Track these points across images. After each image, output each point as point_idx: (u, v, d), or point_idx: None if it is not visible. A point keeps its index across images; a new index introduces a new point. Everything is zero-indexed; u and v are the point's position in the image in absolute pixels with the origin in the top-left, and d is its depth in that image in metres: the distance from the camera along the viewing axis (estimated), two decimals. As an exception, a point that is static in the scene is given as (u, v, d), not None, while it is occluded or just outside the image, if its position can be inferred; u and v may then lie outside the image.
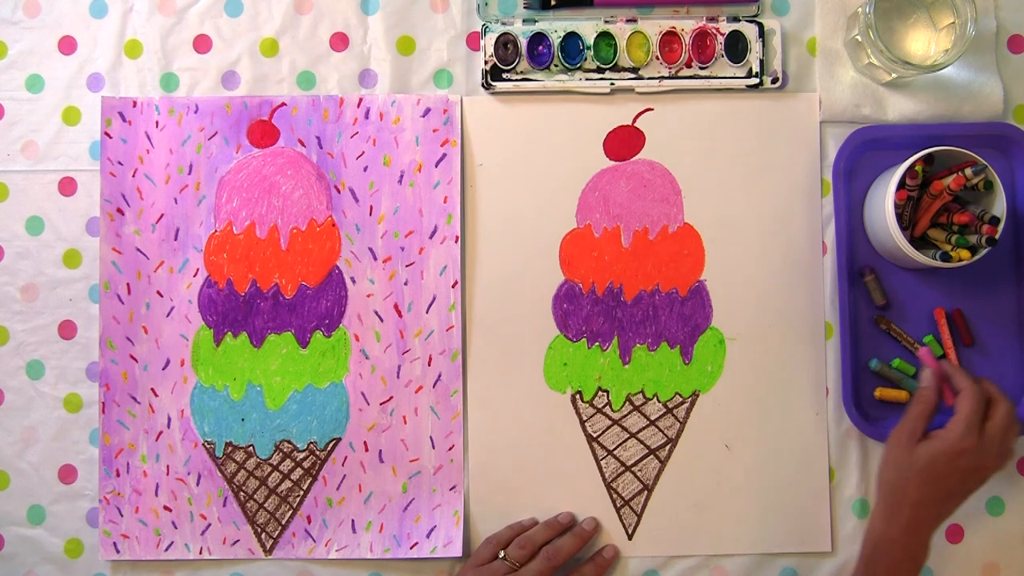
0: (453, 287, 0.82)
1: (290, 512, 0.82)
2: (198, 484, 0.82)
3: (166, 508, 0.82)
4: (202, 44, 0.83)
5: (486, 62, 0.82)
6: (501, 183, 0.83)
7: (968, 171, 0.75)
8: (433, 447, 0.82)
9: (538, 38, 0.82)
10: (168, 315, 0.82)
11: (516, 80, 0.82)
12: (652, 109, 0.83)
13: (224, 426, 0.82)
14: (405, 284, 0.82)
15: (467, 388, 0.82)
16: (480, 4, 0.83)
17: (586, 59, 0.82)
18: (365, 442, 0.82)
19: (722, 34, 0.82)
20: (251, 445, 0.82)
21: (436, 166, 0.83)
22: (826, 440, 0.82)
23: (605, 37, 0.82)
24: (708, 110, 0.83)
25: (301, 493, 0.82)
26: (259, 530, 0.82)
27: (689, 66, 0.83)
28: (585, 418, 0.82)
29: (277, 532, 0.82)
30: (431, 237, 0.82)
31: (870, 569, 0.73)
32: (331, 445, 0.82)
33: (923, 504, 0.72)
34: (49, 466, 0.82)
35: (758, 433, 0.82)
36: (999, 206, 0.76)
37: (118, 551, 0.81)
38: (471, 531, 0.82)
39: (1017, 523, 0.82)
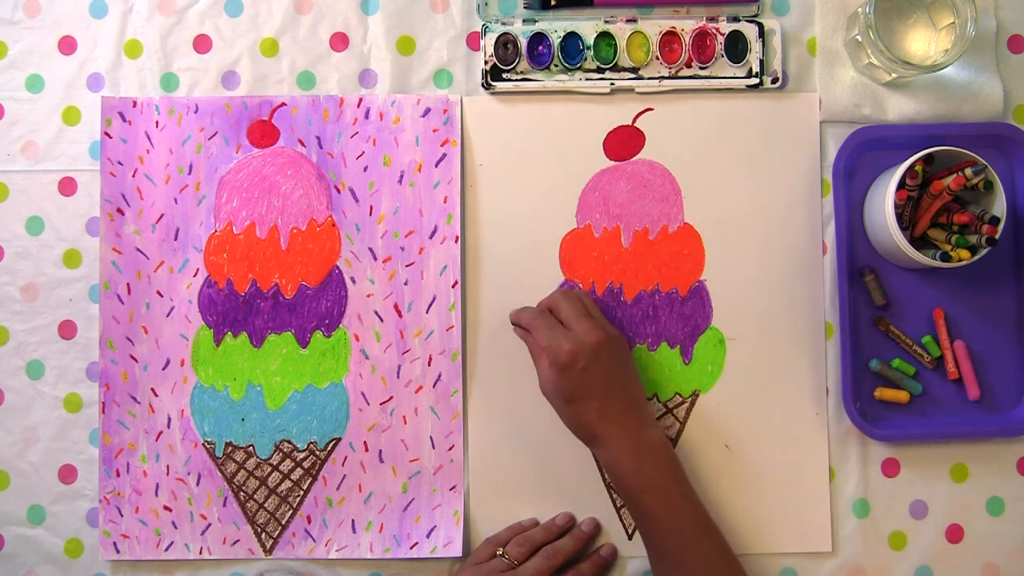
0: (453, 287, 0.82)
1: (290, 512, 0.82)
2: (198, 484, 0.82)
3: (166, 508, 0.82)
4: (202, 44, 0.83)
5: (486, 62, 0.82)
6: (501, 183, 0.83)
7: (968, 171, 0.75)
8: (433, 447, 0.82)
9: (538, 38, 0.82)
10: (168, 315, 0.82)
11: (516, 80, 0.82)
12: (652, 109, 0.83)
13: (224, 426, 0.82)
14: (405, 284, 0.82)
15: (467, 388, 0.82)
16: (480, 4, 0.83)
17: (586, 59, 0.82)
18: (365, 442, 0.82)
19: (722, 34, 0.82)
20: (251, 445, 0.82)
21: (436, 166, 0.83)
22: (826, 440, 0.82)
23: (605, 37, 0.82)
24: (708, 110, 0.83)
25: (301, 493, 0.82)
26: (259, 530, 0.82)
27: (689, 66, 0.83)
28: (585, 418, 0.82)
29: (277, 532, 0.82)
30: (431, 237, 0.82)
31: (634, 506, 0.73)
32: (331, 445, 0.82)
33: (600, 417, 0.72)
34: (49, 466, 0.82)
35: (758, 433, 0.82)
36: (999, 206, 0.76)
37: (118, 551, 0.81)
38: (471, 531, 0.82)
39: (1017, 523, 0.82)
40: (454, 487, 0.82)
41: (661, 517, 0.72)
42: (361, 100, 0.83)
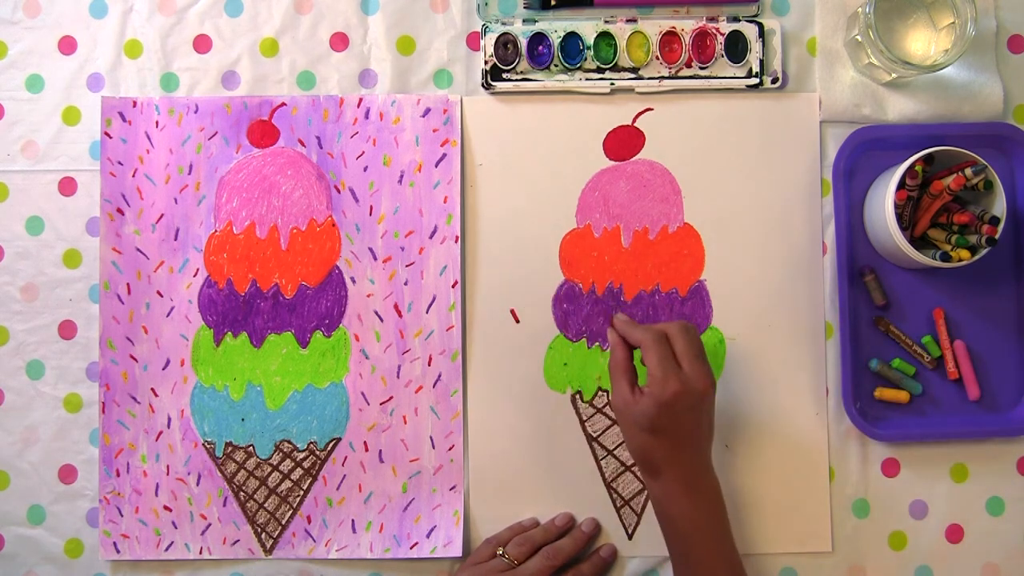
0: (453, 287, 0.82)
1: (290, 512, 0.82)
2: (198, 484, 0.82)
3: (166, 508, 0.82)
4: (202, 44, 0.83)
5: (486, 62, 0.82)
6: (501, 183, 0.83)
7: (968, 171, 0.75)
8: (433, 447, 0.82)
9: (538, 38, 0.82)
10: (168, 315, 0.82)
11: (516, 80, 0.82)
12: (652, 109, 0.83)
13: (224, 426, 0.82)
14: (405, 284, 0.82)
15: (467, 388, 0.82)
16: (480, 4, 0.83)
17: (586, 59, 0.82)
18: (365, 442, 0.82)
19: (722, 34, 0.82)
20: (251, 445, 0.82)
21: (436, 166, 0.83)
22: (826, 440, 0.82)
23: (605, 37, 0.82)
24: (708, 110, 0.83)
25: (301, 493, 0.82)
26: (259, 530, 0.82)
27: (689, 66, 0.83)
28: (585, 418, 0.82)
29: (277, 532, 0.82)
30: (431, 237, 0.82)
31: (676, 540, 0.73)
32: (331, 445, 0.82)
33: (673, 456, 0.72)
34: (49, 466, 0.82)
35: (758, 433, 0.82)
36: (999, 206, 0.76)
37: (118, 551, 0.81)
38: (471, 531, 0.82)
39: (1017, 523, 0.82)
40: (454, 487, 0.82)
41: (701, 561, 0.72)
42: (361, 100, 0.83)
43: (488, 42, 0.82)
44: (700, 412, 0.72)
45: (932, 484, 0.82)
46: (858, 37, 0.79)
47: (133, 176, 0.83)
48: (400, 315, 0.82)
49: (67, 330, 0.83)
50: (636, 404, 0.71)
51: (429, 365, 0.82)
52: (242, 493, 0.82)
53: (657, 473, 0.72)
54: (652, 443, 0.72)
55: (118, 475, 0.82)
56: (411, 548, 0.81)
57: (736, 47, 0.82)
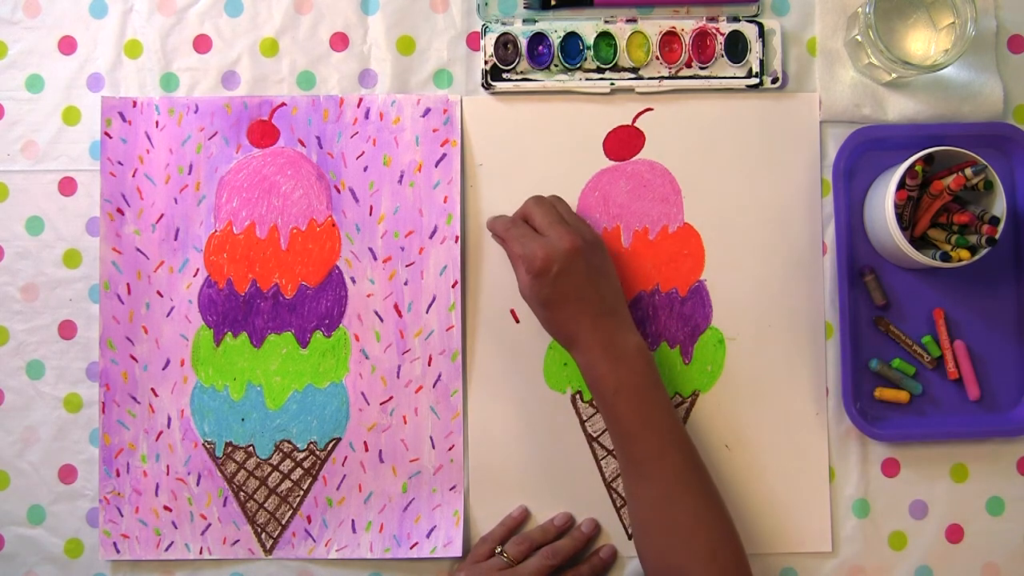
0: (453, 287, 0.82)
1: (290, 512, 0.82)
2: (198, 484, 0.82)
3: (166, 508, 0.82)
4: (202, 44, 0.83)
5: (486, 62, 0.82)
6: (501, 183, 0.83)
7: (968, 171, 0.75)
8: (433, 447, 0.82)
9: (538, 38, 0.82)
10: (168, 315, 0.82)
11: (516, 80, 0.82)
12: (652, 109, 0.83)
13: (224, 426, 0.82)
14: (405, 284, 0.82)
15: (467, 388, 0.82)
16: (480, 4, 0.83)
17: (586, 59, 0.82)
18: (365, 442, 0.82)
19: (722, 34, 0.82)
20: (251, 445, 0.82)
21: (436, 166, 0.83)
22: (826, 440, 0.82)
23: (605, 37, 0.82)
24: (708, 110, 0.83)
25: (301, 493, 0.82)
26: (259, 530, 0.82)
27: (689, 66, 0.83)
28: (585, 418, 0.82)
29: (277, 532, 0.82)
30: (431, 237, 0.82)
31: (604, 406, 0.73)
32: (331, 445, 0.82)
33: (578, 321, 0.73)
34: (49, 466, 0.82)
35: (758, 433, 0.82)
36: (999, 206, 0.76)
37: (118, 551, 0.81)
38: (471, 531, 0.82)
39: (1017, 523, 0.82)
40: (454, 487, 0.82)
41: (632, 422, 0.72)
42: (361, 100, 0.83)
43: (488, 42, 0.82)
44: (579, 270, 0.72)
45: (932, 484, 0.82)
46: (858, 37, 0.79)
47: (133, 176, 0.83)
48: (400, 315, 0.82)
49: (67, 330, 0.83)
50: (524, 286, 0.74)
51: (429, 365, 0.82)
52: (242, 493, 0.82)
53: (572, 343, 0.74)
54: (552, 316, 0.74)
55: (118, 475, 0.82)
56: (411, 548, 0.81)
57: (736, 47, 0.82)
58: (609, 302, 0.74)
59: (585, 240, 0.74)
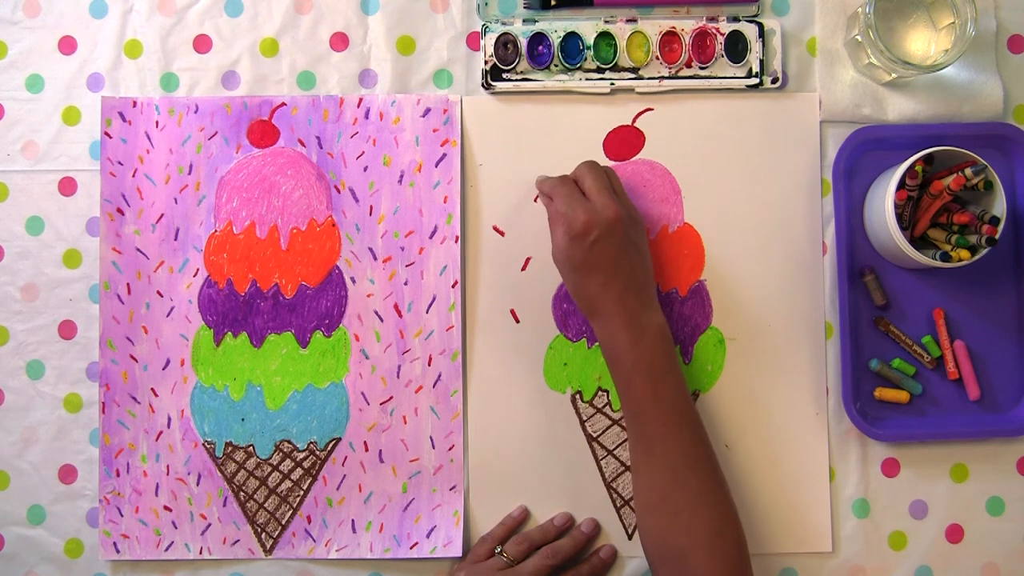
0: (453, 287, 0.82)
1: (290, 512, 0.82)
2: (198, 484, 0.82)
3: (166, 508, 0.82)
4: (202, 44, 0.83)
5: (486, 62, 0.82)
6: (501, 183, 0.83)
7: (968, 171, 0.75)
8: (433, 447, 0.82)
9: (538, 38, 0.82)
10: (168, 315, 0.82)
11: (516, 80, 0.82)
12: (652, 109, 0.83)
13: (224, 426, 0.82)
14: (405, 284, 0.82)
15: (467, 388, 0.82)
16: (480, 4, 0.83)
17: (586, 59, 0.82)
18: (365, 442, 0.82)
19: (722, 34, 0.82)
20: (251, 445, 0.82)
21: (436, 166, 0.83)
22: (826, 440, 0.82)
23: (605, 37, 0.82)
24: (708, 110, 0.83)
25: (301, 493, 0.82)
26: (259, 530, 0.82)
27: (689, 66, 0.83)
28: (585, 418, 0.82)
29: (277, 532, 0.82)
30: (431, 237, 0.82)
31: (620, 380, 0.73)
32: (331, 445, 0.82)
33: (605, 292, 0.72)
34: (49, 466, 0.82)
35: (758, 433, 0.82)
36: (999, 206, 0.76)
37: (118, 551, 0.81)
38: (471, 531, 0.82)
39: (1017, 523, 0.82)
40: (454, 487, 0.82)
41: (647, 400, 0.72)
42: (361, 100, 0.83)
43: (488, 42, 0.82)
44: (616, 241, 0.72)
45: (932, 484, 0.82)
46: (858, 37, 0.79)
47: (133, 176, 0.83)
48: (400, 315, 0.82)
49: (67, 330, 0.83)
50: (559, 247, 0.74)
51: (429, 365, 0.82)
52: (242, 493, 0.82)
53: (594, 311, 0.74)
54: (581, 280, 0.73)
55: (118, 475, 0.82)
56: (411, 548, 0.81)
57: (736, 47, 0.82)
58: (639, 278, 0.74)
59: (629, 214, 0.74)
